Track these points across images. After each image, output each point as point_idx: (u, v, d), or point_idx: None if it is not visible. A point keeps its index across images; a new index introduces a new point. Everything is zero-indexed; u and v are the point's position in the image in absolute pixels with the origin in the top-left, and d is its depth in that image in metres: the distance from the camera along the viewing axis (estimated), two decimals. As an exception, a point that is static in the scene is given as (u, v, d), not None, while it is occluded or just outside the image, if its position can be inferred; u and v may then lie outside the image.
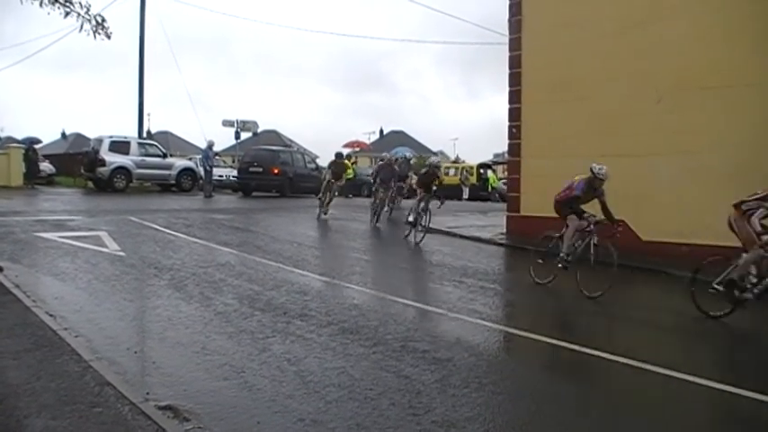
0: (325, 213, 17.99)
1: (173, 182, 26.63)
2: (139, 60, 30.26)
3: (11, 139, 30.05)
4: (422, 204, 14.44)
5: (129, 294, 8.01)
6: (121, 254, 10.37)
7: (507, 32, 16.39)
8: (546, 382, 5.78)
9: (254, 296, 7.97)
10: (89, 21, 9.86)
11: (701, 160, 12.38)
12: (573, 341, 6.74)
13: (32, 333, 5.83)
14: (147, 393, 4.65)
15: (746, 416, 5.24)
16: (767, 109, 11.70)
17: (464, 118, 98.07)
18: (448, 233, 15.79)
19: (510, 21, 16.17)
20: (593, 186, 9.52)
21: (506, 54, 16.25)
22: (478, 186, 34.34)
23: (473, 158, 34.90)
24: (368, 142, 56.10)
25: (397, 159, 20.68)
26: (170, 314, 6.99)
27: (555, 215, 10.16)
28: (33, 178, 26.22)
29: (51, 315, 6.47)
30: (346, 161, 22.21)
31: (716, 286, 8.05)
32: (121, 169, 24.86)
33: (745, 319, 8.03)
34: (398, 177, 18.75)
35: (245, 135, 38.22)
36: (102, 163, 24.57)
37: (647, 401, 5.29)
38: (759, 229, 7.80)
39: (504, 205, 17.63)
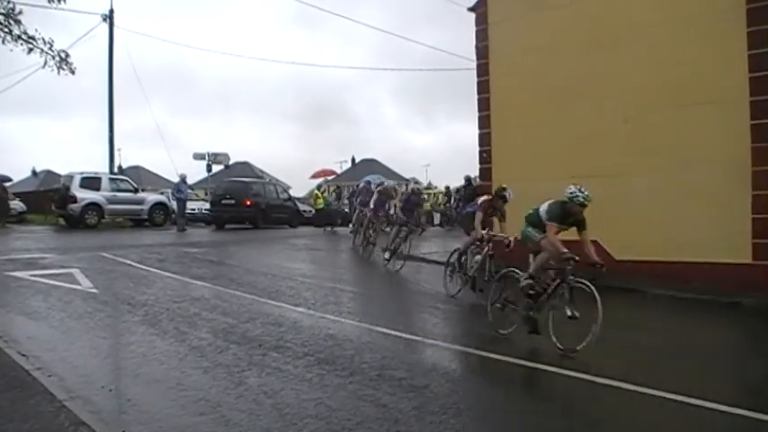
0: (387, 260, 14.67)
1: (145, 217, 26.39)
2: (109, 96, 30.29)
3: (-19, 178, 29.72)
4: None
5: (102, 331, 7.92)
6: (94, 291, 10.26)
7: (474, 58, 16.65)
8: (524, 405, 5.82)
9: (228, 329, 7.93)
10: (53, 57, 9.89)
11: (672, 179, 12.55)
12: (550, 363, 6.80)
13: (4, 374, 5.75)
14: (123, 431, 4.61)
15: None
16: (737, 126, 11.87)
17: (434, 144, 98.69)
18: (423, 259, 15.88)
19: (477, 47, 16.44)
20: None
21: (467, 80, 16.53)
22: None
23: (445, 184, 34.99)
24: (339, 171, 56.21)
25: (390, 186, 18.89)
26: (144, 350, 6.92)
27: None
28: (4, 217, 25.85)
29: (24, 355, 6.38)
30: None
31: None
32: (93, 205, 24.64)
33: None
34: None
35: (216, 168, 38.18)
36: (74, 199, 24.33)
37: (631, 423, 5.34)
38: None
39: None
